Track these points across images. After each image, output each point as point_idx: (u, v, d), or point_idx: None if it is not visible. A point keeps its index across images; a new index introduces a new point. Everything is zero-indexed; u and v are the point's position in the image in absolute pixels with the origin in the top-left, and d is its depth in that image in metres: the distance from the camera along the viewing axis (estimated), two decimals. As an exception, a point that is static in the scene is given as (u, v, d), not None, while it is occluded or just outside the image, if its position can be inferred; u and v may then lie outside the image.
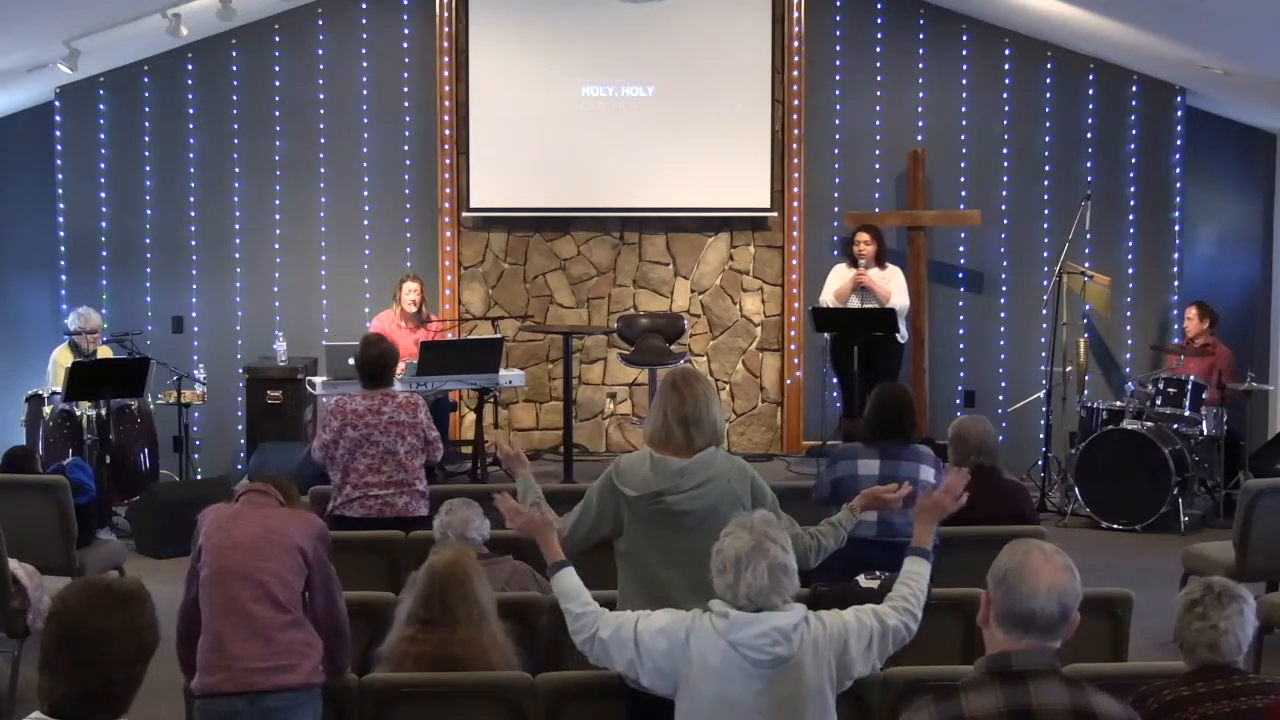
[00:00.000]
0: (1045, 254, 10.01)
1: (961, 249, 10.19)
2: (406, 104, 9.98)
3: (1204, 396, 8.73)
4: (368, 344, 6.25)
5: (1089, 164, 10.09)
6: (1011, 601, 2.68)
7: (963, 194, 10.12)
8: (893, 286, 9.24)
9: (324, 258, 10.00)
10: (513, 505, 3.88)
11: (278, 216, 9.97)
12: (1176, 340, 9.69)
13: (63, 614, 2.43)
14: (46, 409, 8.52)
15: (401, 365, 8.55)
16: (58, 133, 9.79)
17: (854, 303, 9.25)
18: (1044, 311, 9.71)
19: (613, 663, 3.44)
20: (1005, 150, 10.12)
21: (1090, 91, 10.06)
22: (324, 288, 10.00)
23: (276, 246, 9.97)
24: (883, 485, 4.76)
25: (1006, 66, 10.09)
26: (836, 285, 9.31)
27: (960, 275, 10.20)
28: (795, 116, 10.00)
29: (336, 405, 6.11)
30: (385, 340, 6.40)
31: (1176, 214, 10.09)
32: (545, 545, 3.73)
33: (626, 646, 3.38)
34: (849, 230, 9.88)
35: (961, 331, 10.21)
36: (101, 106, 9.81)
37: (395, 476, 5.98)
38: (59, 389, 8.30)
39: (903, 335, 9.30)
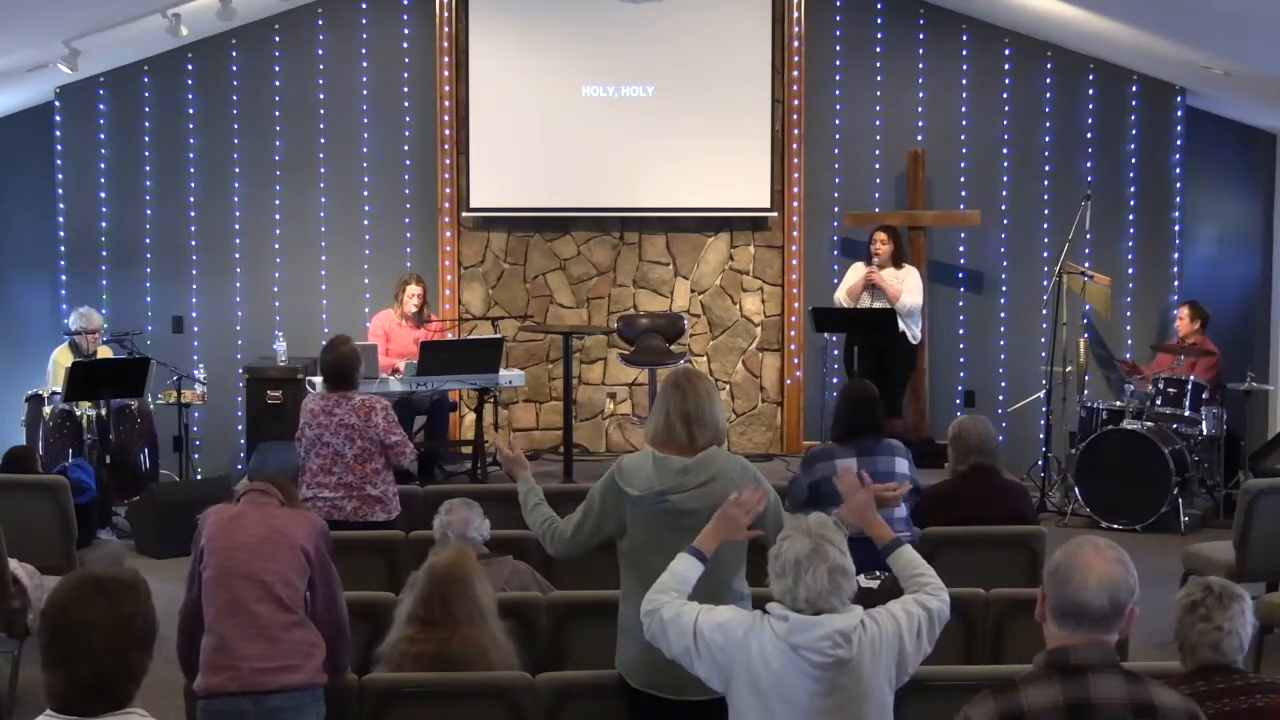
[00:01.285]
0: (1045, 254, 10.01)
1: (961, 249, 10.19)
2: (406, 104, 9.98)
3: (1204, 396, 8.74)
4: (328, 347, 6.25)
5: (1089, 164, 10.09)
6: (1062, 594, 2.70)
7: (963, 194, 10.12)
8: (905, 285, 9.26)
9: (324, 258, 10.00)
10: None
11: (278, 216, 9.97)
12: (1175, 340, 9.69)
13: (50, 608, 2.44)
14: (46, 409, 8.52)
15: (401, 365, 8.58)
16: (58, 133, 9.79)
17: (865, 301, 9.28)
18: (1044, 311, 9.71)
19: (669, 645, 3.43)
20: (1005, 150, 10.12)
21: (1090, 91, 10.06)
22: (324, 288, 10.00)
23: (276, 246, 9.97)
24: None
25: (1006, 66, 10.09)
26: (850, 283, 9.36)
27: (960, 275, 10.20)
28: (795, 116, 10.00)
29: (303, 404, 6.18)
30: (348, 344, 6.33)
31: (1176, 214, 10.09)
32: (714, 538, 3.63)
33: (685, 634, 3.37)
34: (849, 230, 9.90)
35: (961, 331, 10.21)
36: (101, 106, 9.81)
37: (344, 479, 5.96)
38: (59, 389, 8.31)
39: (915, 335, 9.32)
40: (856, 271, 9.42)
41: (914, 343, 9.37)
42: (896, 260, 9.36)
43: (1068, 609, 2.69)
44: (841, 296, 9.39)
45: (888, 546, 3.63)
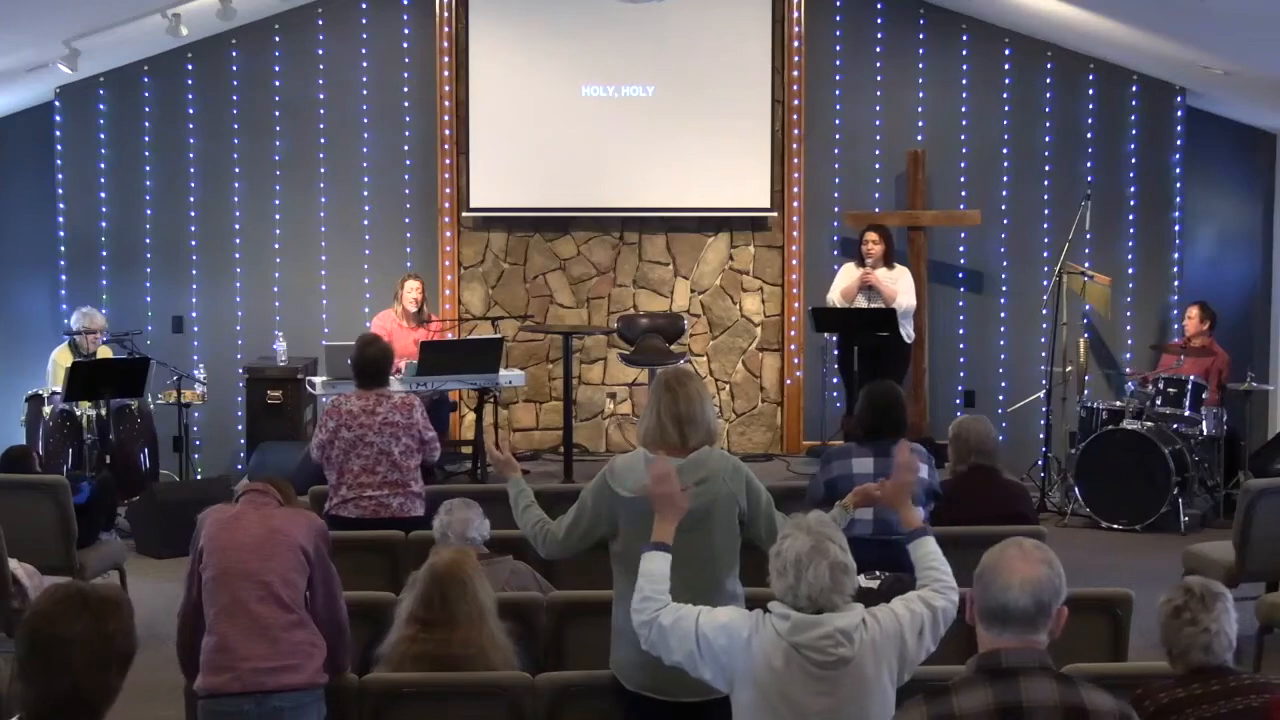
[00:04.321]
0: (1045, 254, 10.02)
1: (961, 249, 10.19)
2: (406, 104, 9.98)
3: (1204, 397, 8.74)
4: (364, 344, 6.25)
5: (1089, 164, 10.09)
6: (987, 596, 2.71)
7: (963, 194, 10.12)
8: (900, 286, 9.24)
9: (324, 258, 10.00)
10: (666, 468, 3.67)
11: (278, 216, 9.97)
12: (1175, 340, 9.68)
13: (33, 618, 2.42)
14: (46, 409, 8.52)
15: (401, 365, 8.57)
16: (58, 133, 9.79)
17: (860, 302, 9.26)
18: (1044, 311, 9.71)
19: (670, 651, 3.41)
20: (1005, 150, 10.12)
21: (1090, 91, 10.06)
22: (324, 288, 10.00)
23: (276, 246, 9.98)
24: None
25: (1006, 66, 10.09)
26: (843, 284, 9.33)
27: (960, 275, 10.20)
28: (795, 116, 10.00)
29: (332, 406, 6.11)
30: (381, 340, 6.40)
31: (1176, 214, 10.09)
32: (664, 525, 3.57)
33: (687, 638, 3.36)
34: (849, 230, 9.89)
35: (961, 331, 10.21)
36: (101, 106, 9.81)
37: (390, 477, 5.97)
38: (59, 389, 8.31)
39: (909, 335, 9.31)
40: (850, 273, 9.38)
41: (908, 342, 9.36)
42: (888, 260, 9.33)
43: (993, 610, 2.70)
44: (835, 297, 9.35)
45: (914, 532, 3.64)
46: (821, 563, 3.24)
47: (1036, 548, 2.75)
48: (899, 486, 3.79)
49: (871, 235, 9.31)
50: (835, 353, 9.63)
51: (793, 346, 10.15)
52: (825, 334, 9.73)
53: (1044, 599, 2.69)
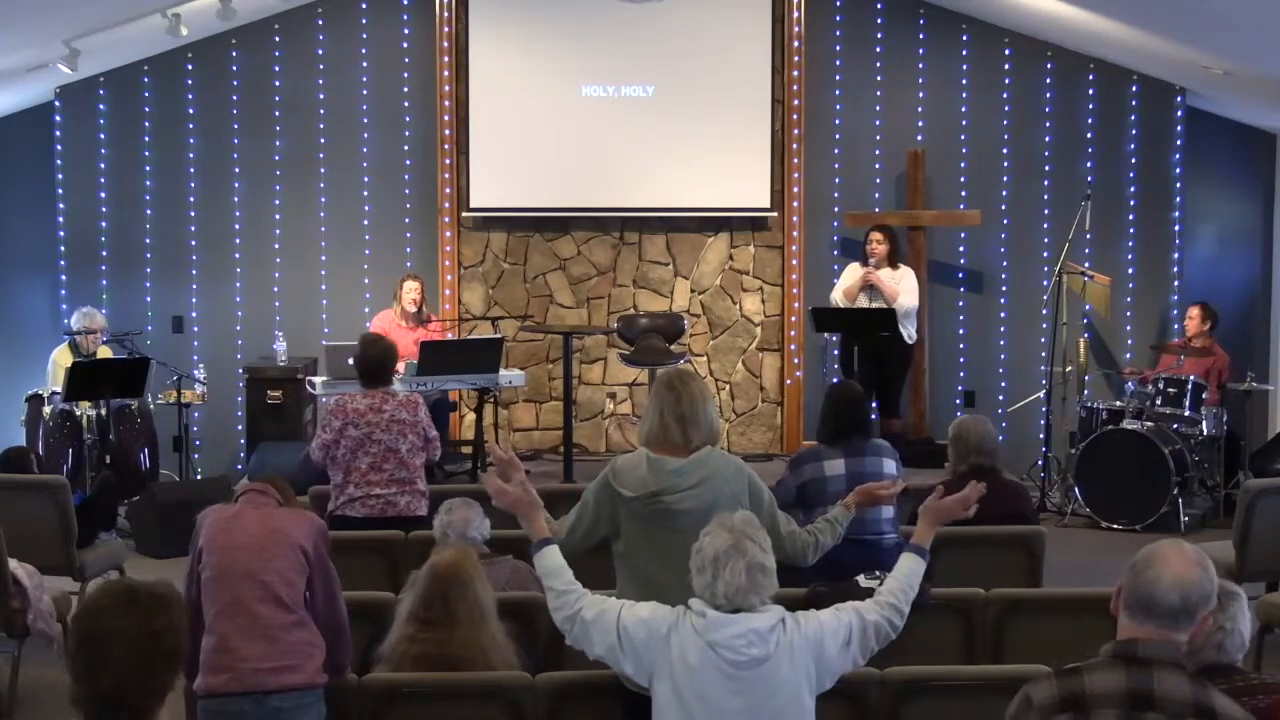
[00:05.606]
0: (1045, 254, 10.01)
1: (961, 249, 10.19)
2: (406, 104, 9.98)
3: (1204, 397, 8.74)
4: (368, 343, 6.27)
5: (1089, 164, 10.09)
6: (1137, 585, 2.72)
7: (963, 194, 10.12)
8: (902, 286, 9.25)
9: (324, 258, 10.00)
10: (498, 484, 3.84)
11: (278, 216, 9.97)
12: (1176, 340, 9.68)
13: (82, 614, 2.41)
14: (46, 409, 8.51)
15: (401, 365, 8.57)
16: (58, 133, 9.79)
17: (862, 301, 9.26)
18: (1044, 311, 9.71)
19: (592, 645, 3.44)
20: (1005, 150, 10.12)
21: (1090, 91, 10.06)
22: (324, 288, 10.00)
23: (276, 246, 9.97)
24: (850, 482, 4.78)
25: (1006, 66, 10.09)
26: (847, 283, 9.34)
27: (960, 275, 10.20)
28: (795, 116, 10.00)
29: (337, 405, 6.11)
30: (385, 339, 6.42)
31: (1176, 214, 10.09)
32: (532, 523, 3.72)
33: (609, 632, 3.39)
34: (849, 230, 9.90)
35: (961, 331, 10.21)
36: (101, 106, 9.81)
37: (397, 475, 5.98)
38: (59, 389, 8.30)
39: (911, 335, 9.32)
40: (853, 272, 9.41)
41: (910, 343, 9.37)
42: (892, 260, 9.34)
43: (1139, 600, 2.71)
44: (838, 297, 9.38)
45: (911, 546, 3.68)
46: (739, 562, 3.26)
47: (1195, 551, 2.76)
48: (944, 510, 3.84)
49: (876, 235, 9.33)
50: (836, 353, 9.63)
51: (793, 346, 10.15)
52: (826, 334, 9.72)
53: (1192, 600, 2.70)
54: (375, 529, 5.80)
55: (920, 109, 10.12)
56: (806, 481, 5.27)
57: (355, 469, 5.96)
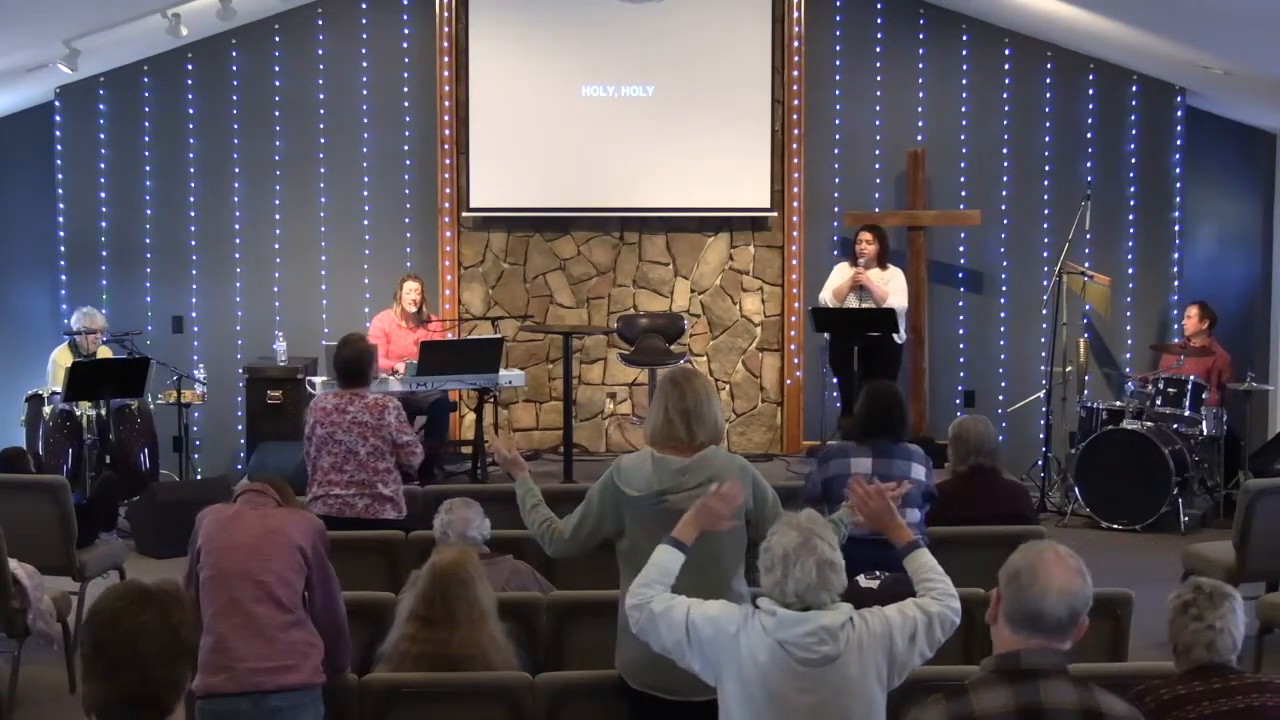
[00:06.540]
0: (1045, 254, 10.02)
1: (961, 249, 10.19)
2: (406, 104, 9.98)
3: (1204, 397, 8.74)
4: (343, 344, 6.26)
5: (1089, 164, 10.09)
6: (1021, 600, 2.71)
7: (963, 194, 10.12)
8: (891, 287, 9.21)
9: (324, 258, 10.00)
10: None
11: (278, 216, 9.97)
12: (1176, 340, 9.68)
13: (96, 618, 2.41)
14: (46, 409, 8.51)
15: (401, 365, 8.58)
16: (58, 133, 9.79)
17: (852, 301, 9.24)
18: (1044, 311, 9.71)
19: (659, 637, 3.42)
20: (1005, 150, 10.12)
21: (1090, 91, 10.06)
22: (324, 288, 10.00)
23: (276, 246, 9.98)
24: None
25: (1006, 66, 10.09)
26: (836, 284, 9.32)
27: (960, 275, 10.20)
28: (795, 116, 10.00)
29: (313, 403, 6.17)
30: (363, 341, 6.36)
31: (1176, 214, 10.09)
32: None
33: (676, 628, 3.37)
34: (849, 230, 9.89)
35: (961, 331, 10.21)
36: (101, 106, 9.81)
37: (356, 477, 5.95)
38: (59, 389, 8.30)
39: (900, 336, 9.31)
40: (842, 272, 9.36)
41: (900, 343, 9.34)
42: (881, 260, 9.31)
43: (1026, 614, 2.71)
44: (827, 297, 9.32)
45: (905, 548, 3.61)
46: (809, 559, 3.24)
47: (1070, 555, 2.77)
48: (872, 514, 3.71)
49: (865, 235, 9.29)
50: (826, 351, 9.60)
51: (792, 346, 10.15)
52: (824, 333, 9.72)
53: (1078, 609, 2.72)
54: (333, 529, 5.78)
55: (920, 109, 10.12)
56: (832, 477, 5.27)
57: (319, 467, 5.98)
